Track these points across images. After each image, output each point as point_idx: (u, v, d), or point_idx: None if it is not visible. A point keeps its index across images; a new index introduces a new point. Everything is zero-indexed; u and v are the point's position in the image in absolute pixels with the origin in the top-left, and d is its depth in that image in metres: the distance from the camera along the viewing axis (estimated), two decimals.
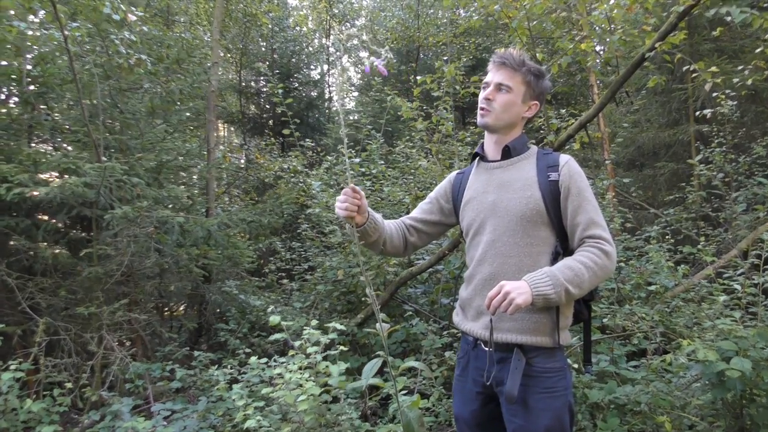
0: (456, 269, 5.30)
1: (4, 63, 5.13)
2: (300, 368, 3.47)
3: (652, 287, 4.90)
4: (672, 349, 4.24)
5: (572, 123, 5.18)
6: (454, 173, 2.61)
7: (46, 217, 5.25)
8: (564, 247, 2.22)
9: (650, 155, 10.39)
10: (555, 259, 2.17)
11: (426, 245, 3.10)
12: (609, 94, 4.02)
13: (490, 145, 2.41)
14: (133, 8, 4.27)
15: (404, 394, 3.99)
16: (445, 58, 5.55)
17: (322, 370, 3.40)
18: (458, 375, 2.43)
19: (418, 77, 4.99)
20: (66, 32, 4.62)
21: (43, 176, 4.90)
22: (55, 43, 4.86)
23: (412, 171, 5.97)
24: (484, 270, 2.23)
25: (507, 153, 2.34)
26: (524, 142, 2.39)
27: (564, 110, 5.21)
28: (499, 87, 2.28)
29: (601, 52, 4.34)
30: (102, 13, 4.36)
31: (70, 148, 5.99)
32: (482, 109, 2.29)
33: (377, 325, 2.24)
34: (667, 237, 5.74)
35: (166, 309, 6.91)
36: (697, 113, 7.07)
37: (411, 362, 2.64)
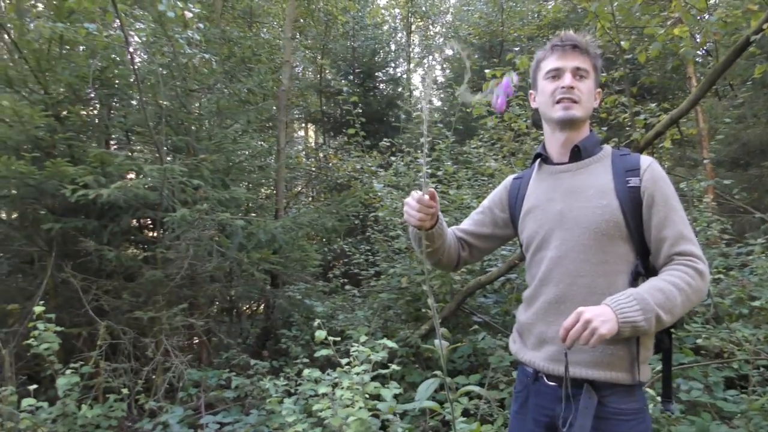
0: None
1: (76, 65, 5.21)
2: (350, 387, 3.20)
3: (757, 302, 4.31)
4: None
5: (663, 118, 4.64)
6: (510, 178, 2.25)
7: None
8: (645, 266, 1.86)
9: (757, 153, 9.46)
10: (635, 279, 1.82)
11: (477, 261, 2.73)
12: (705, 85, 3.50)
13: (556, 145, 2.03)
14: (190, 5, 4.16)
15: (465, 418, 3.66)
16: (516, 48, 5.10)
17: (371, 392, 3.12)
18: (515, 411, 2.08)
19: (486, 71, 4.58)
20: (131, 32, 4.60)
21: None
22: (122, 44, 4.84)
23: (483, 173, 5.59)
24: (548, 291, 1.89)
25: (577, 154, 1.97)
26: (596, 141, 2.02)
27: (655, 105, 4.68)
28: (577, 72, 1.92)
29: (698, 38, 3.79)
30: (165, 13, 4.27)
31: (145, 150, 6.06)
32: (563, 100, 1.91)
33: (435, 341, 2.00)
34: None
35: (235, 312, 6.85)
36: None
37: (470, 386, 2.35)
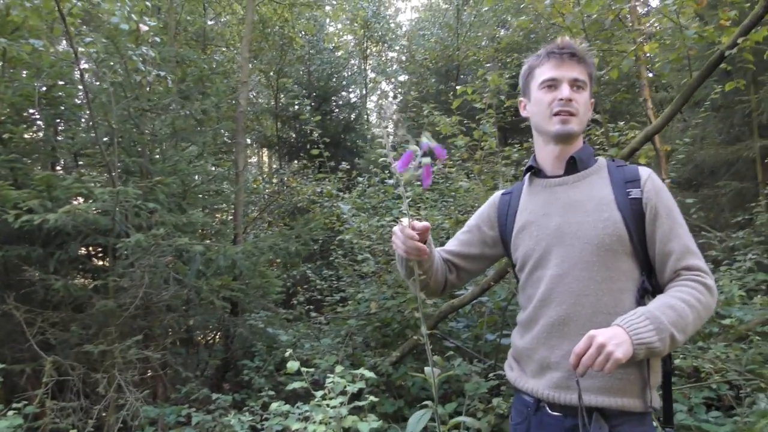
0: (502, 300, 4.75)
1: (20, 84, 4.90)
2: (324, 422, 2.98)
3: (726, 321, 4.29)
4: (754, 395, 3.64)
5: (632, 137, 4.64)
6: (498, 194, 2.09)
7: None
8: (651, 283, 1.73)
9: (709, 174, 9.69)
10: (642, 297, 1.70)
11: (464, 284, 2.56)
12: (680, 101, 3.45)
13: (549, 158, 1.90)
14: (145, 18, 3.95)
15: None
16: (488, 64, 5.05)
17: (348, 426, 2.90)
18: None
19: (458, 87, 4.48)
20: (80, 48, 4.35)
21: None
22: (71, 61, 4.58)
23: (452, 193, 5.47)
24: (550, 313, 1.74)
25: (572, 166, 1.85)
26: (591, 152, 1.91)
27: (622, 123, 4.67)
28: (575, 83, 1.80)
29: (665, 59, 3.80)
30: (117, 27, 4.04)
31: (93, 173, 5.73)
32: (561, 113, 1.79)
33: (426, 369, 1.83)
34: (738, 263, 5.12)
35: (190, 344, 6.51)
36: None
37: (460, 418, 2.18)
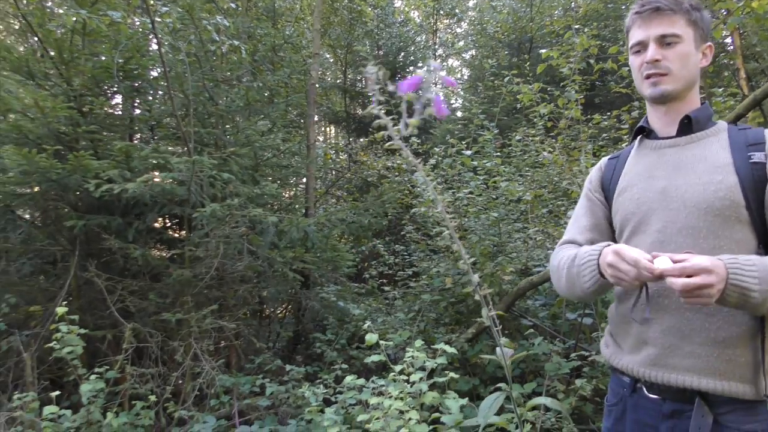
0: None
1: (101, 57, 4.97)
2: (401, 397, 2.88)
3: None
4: None
5: (730, 104, 4.28)
6: (605, 159, 1.93)
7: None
8: None
9: None
10: None
11: None
12: None
13: (659, 118, 1.72)
14: None
15: None
16: (576, 26, 4.74)
17: (429, 402, 2.79)
18: (609, 428, 1.76)
19: (541, 52, 4.22)
20: (156, 19, 4.34)
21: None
22: (146, 31, 4.59)
23: (532, 165, 5.23)
24: (648, 284, 1.54)
25: (686, 127, 1.65)
26: (710, 113, 1.70)
27: (721, 89, 4.30)
28: (662, 40, 1.61)
29: None
30: None
31: (169, 146, 5.80)
32: (651, 76, 1.63)
33: (497, 350, 1.78)
34: None
35: (262, 316, 6.55)
36: None
37: (540, 399, 2.06)
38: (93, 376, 3.70)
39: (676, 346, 1.50)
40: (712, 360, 1.46)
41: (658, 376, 1.53)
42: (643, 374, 1.57)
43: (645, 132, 1.77)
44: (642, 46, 1.65)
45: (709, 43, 1.69)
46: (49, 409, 3.38)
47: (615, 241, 1.81)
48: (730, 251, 1.47)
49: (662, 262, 1.36)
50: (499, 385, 1.90)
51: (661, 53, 1.61)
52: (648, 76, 1.64)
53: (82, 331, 3.73)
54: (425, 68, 1.34)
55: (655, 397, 1.56)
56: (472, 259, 4.72)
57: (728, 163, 1.55)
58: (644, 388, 1.60)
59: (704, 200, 1.52)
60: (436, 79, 1.37)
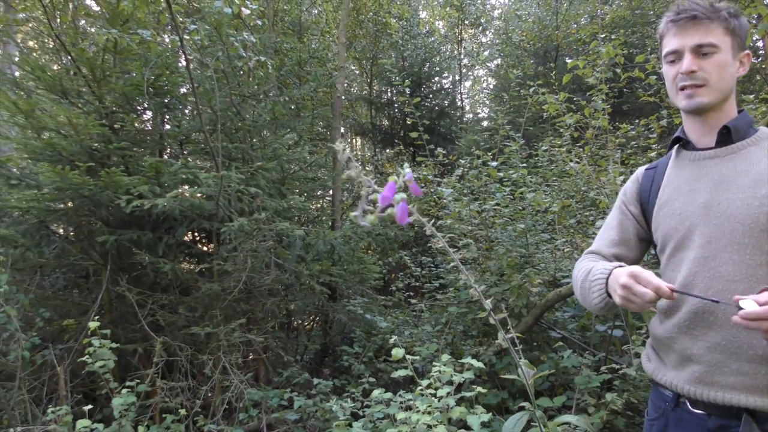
0: None
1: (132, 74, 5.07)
2: (429, 411, 2.87)
3: None
4: None
5: (762, 110, 4.20)
6: (642, 169, 1.89)
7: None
8: None
9: None
10: None
11: None
12: None
13: (697, 129, 1.68)
14: (247, 1, 3.94)
15: None
16: (602, 35, 4.70)
17: (457, 417, 2.77)
18: None
19: (567, 62, 4.19)
20: (185, 36, 4.42)
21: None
22: (175, 49, 4.67)
23: (559, 175, 5.18)
24: (693, 299, 1.52)
25: (725, 137, 1.61)
26: (749, 121, 1.66)
27: (752, 96, 4.21)
28: (698, 50, 1.57)
29: None
30: (221, 13, 4.07)
31: (198, 161, 5.88)
32: (686, 87, 1.59)
33: (519, 370, 1.71)
34: None
35: (289, 329, 6.58)
36: None
37: (566, 417, 2.04)
38: (124, 390, 3.76)
39: (723, 363, 1.48)
40: (759, 377, 1.43)
41: (704, 393, 1.51)
42: (689, 391, 1.54)
43: (682, 142, 1.75)
44: (677, 55, 1.62)
45: (746, 51, 1.65)
46: (82, 423, 3.42)
47: (640, 257, 1.81)
48: None
49: (749, 305, 1.33)
50: (523, 404, 1.88)
51: (698, 64, 1.57)
52: (683, 88, 1.60)
53: (114, 345, 3.79)
54: (396, 174, 1.33)
55: (700, 412, 1.54)
56: (497, 273, 4.69)
57: None
58: (688, 403, 1.57)
59: (748, 216, 1.49)
60: (405, 186, 1.36)
